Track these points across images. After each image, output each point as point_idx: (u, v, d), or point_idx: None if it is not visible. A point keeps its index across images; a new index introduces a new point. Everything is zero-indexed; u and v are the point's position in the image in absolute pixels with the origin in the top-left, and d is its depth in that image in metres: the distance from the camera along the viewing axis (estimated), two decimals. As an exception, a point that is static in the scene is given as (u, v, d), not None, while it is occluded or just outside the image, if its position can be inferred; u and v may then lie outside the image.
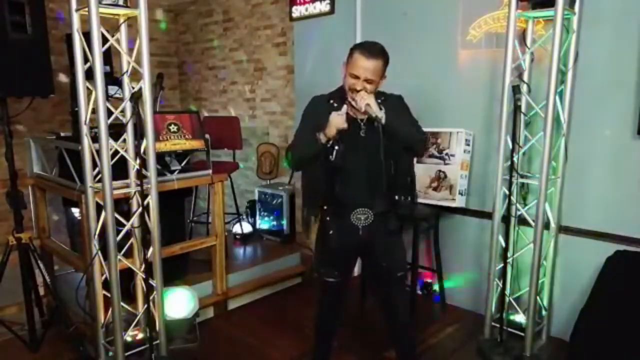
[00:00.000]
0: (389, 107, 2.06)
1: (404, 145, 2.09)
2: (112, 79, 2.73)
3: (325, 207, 2.17)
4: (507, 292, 2.77)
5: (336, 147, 2.05)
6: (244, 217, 4.61)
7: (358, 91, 2.02)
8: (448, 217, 3.39)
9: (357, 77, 2.02)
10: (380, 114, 1.98)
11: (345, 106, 2.07)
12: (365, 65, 2.01)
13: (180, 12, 5.98)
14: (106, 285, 2.44)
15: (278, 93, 4.93)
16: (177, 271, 3.32)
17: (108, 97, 2.44)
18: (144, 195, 2.42)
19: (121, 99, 2.50)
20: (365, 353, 2.91)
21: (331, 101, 2.14)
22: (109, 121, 2.27)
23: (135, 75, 2.44)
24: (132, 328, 2.61)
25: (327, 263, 2.28)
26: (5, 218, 3.72)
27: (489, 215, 2.92)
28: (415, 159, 2.32)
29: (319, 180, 2.13)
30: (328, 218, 2.17)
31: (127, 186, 2.53)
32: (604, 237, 2.76)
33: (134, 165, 2.50)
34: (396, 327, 2.34)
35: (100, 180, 2.32)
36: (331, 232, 2.16)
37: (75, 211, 3.23)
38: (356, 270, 4.04)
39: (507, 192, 2.73)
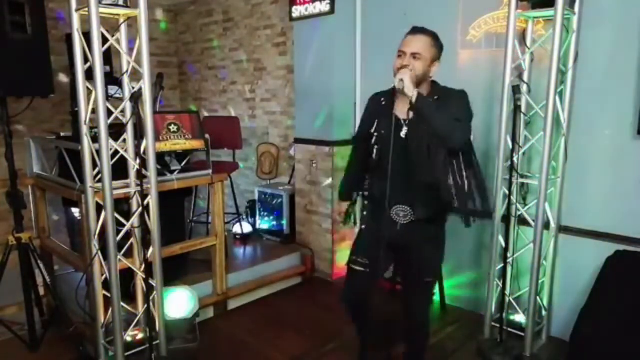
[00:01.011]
0: (440, 101, 2.02)
1: (436, 136, 1.97)
2: (112, 79, 2.73)
3: (365, 201, 2.26)
4: (507, 292, 2.77)
5: (376, 147, 2.08)
6: (244, 217, 4.61)
7: (405, 67, 1.98)
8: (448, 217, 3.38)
9: (403, 54, 2.01)
10: (412, 92, 1.93)
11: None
12: (411, 40, 2.01)
13: (180, 12, 5.98)
14: (106, 285, 2.44)
15: (278, 93, 4.92)
16: (177, 271, 3.32)
17: (108, 97, 2.44)
18: (144, 195, 2.43)
19: (121, 99, 2.50)
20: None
21: (382, 98, 2.17)
22: (109, 121, 2.27)
23: (135, 75, 2.44)
24: (132, 328, 2.61)
25: (358, 250, 2.30)
26: (5, 218, 3.72)
27: (489, 215, 2.91)
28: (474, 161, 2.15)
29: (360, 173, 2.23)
30: (364, 212, 2.25)
31: (127, 186, 2.53)
32: (604, 237, 2.76)
33: (134, 165, 2.50)
34: (411, 328, 2.34)
35: (100, 180, 2.32)
36: (364, 225, 2.26)
37: (75, 211, 3.23)
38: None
39: (507, 192, 2.73)
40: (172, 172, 3.01)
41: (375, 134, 2.10)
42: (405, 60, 2.00)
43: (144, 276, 2.52)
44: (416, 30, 2.05)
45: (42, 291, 3.03)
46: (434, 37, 2.06)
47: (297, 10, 3.98)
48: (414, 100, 1.94)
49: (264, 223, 4.51)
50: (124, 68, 2.41)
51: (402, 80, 1.94)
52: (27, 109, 2.77)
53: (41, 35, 2.64)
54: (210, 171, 3.21)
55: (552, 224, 2.80)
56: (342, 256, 3.86)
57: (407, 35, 2.06)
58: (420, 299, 2.29)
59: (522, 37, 2.76)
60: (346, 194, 2.39)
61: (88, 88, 2.28)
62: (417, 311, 2.29)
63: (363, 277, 2.25)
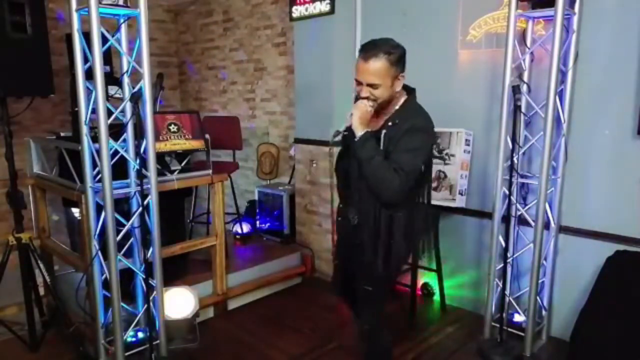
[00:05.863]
0: (392, 134, 1.86)
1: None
2: (112, 79, 2.73)
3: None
4: (507, 292, 2.77)
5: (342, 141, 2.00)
6: (244, 217, 4.61)
7: (363, 98, 1.85)
8: (448, 217, 3.39)
9: (360, 83, 1.85)
10: (359, 132, 1.82)
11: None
12: (363, 67, 1.82)
13: (180, 12, 5.98)
14: (106, 285, 2.44)
15: (278, 93, 4.92)
16: (177, 271, 3.32)
17: (108, 97, 2.44)
18: (144, 195, 2.43)
19: (121, 99, 2.50)
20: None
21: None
22: (109, 121, 2.28)
23: (135, 75, 2.44)
24: (132, 328, 2.61)
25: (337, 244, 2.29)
26: (5, 218, 3.72)
27: (489, 215, 2.92)
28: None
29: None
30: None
31: (127, 186, 2.53)
32: (604, 237, 2.76)
33: (134, 165, 2.50)
34: (362, 335, 2.21)
35: (100, 180, 2.32)
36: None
37: (75, 211, 3.23)
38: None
39: (507, 192, 2.73)
40: (172, 172, 3.01)
41: (345, 132, 1.94)
42: (363, 91, 1.83)
43: (144, 276, 2.52)
44: (367, 55, 1.80)
45: (42, 291, 3.03)
46: (389, 53, 1.81)
47: (297, 10, 3.98)
48: (356, 139, 1.83)
49: (264, 223, 4.51)
50: (124, 68, 2.42)
51: (352, 114, 1.84)
52: (27, 109, 2.77)
53: (41, 35, 2.65)
54: (210, 171, 3.21)
55: (552, 224, 2.80)
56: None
57: (359, 59, 1.82)
58: (363, 307, 2.11)
59: (522, 37, 2.76)
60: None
61: (88, 88, 2.28)
62: (362, 319, 2.14)
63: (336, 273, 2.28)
